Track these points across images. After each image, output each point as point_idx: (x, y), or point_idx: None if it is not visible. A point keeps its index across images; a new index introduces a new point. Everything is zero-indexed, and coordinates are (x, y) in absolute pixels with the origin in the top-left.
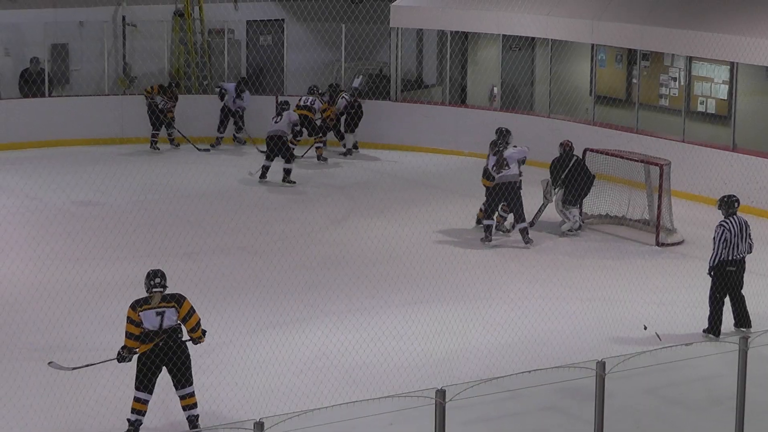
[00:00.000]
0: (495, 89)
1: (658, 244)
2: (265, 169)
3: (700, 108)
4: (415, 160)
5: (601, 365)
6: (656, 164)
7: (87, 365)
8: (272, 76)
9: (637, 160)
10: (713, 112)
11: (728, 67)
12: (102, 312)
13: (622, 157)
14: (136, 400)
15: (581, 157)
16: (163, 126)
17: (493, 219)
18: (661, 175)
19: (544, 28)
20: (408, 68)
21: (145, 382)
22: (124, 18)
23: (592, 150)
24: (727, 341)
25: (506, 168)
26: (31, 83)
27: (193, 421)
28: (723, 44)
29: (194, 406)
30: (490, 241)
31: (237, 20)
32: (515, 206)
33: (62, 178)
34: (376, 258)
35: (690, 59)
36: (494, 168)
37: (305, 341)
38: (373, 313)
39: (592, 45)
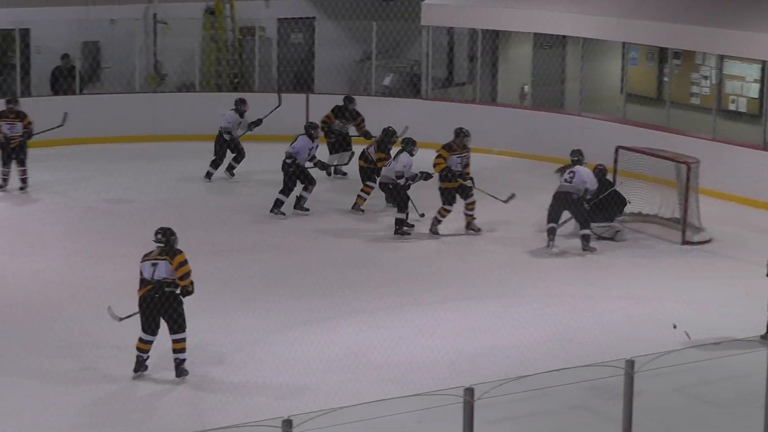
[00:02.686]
0: (526, 87)
1: (684, 242)
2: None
3: (732, 107)
4: None
5: (630, 364)
6: (684, 162)
7: (132, 315)
8: (303, 74)
9: (667, 158)
10: (744, 110)
11: (760, 65)
12: (132, 309)
13: (653, 155)
14: (139, 340)
15: (612, 182)
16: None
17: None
18: (688, 174)
19: (575, 26)
20: (439, 66)
21: (144, 325)
22: (155, 15)
23: (623, 148)
24: (756, 340)
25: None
26: (62, 80)
27: (178, 365)
28: (755, 43)
29: (181, 350)
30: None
31: (268, 18)
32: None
33: (93, 175)
34: (406, 256)
35: (722, 57)
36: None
37: (334, 339)
38: (402, 311)
39: (623, 43)
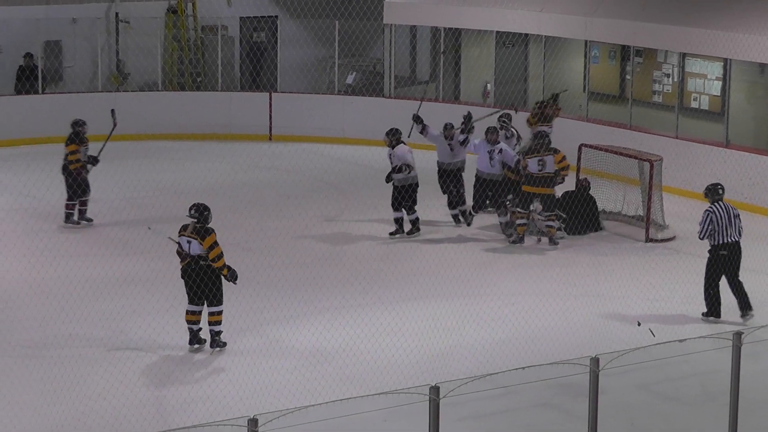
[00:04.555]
0: (488, 85)
1: (648, 240)
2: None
3: (694, 104)
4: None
5: (595, 361)
6: (647, 160)
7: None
8: (266, 73)
9: (630, 156)
10: (706, 108)
11: (722, 63)
12: (96, 308)
13: (615, 153)
14: (187, 312)
15: (592, 198)
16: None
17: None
18: (651, 171)
19: (537, 24)
20: (401, 64)
21: (189, 296)
22: (117, 15)
23: (586, 145)
24: (721, 337)
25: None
26: (24, 80)
27: (213, 336)
28: (716, 41)
29: (217, 323)
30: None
31: (230, 17)
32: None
33: (56, 175)
34: (369, 255)
35: (683, 56)
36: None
37: (299, 338)
38: (366, 309)
39: (586, 41)
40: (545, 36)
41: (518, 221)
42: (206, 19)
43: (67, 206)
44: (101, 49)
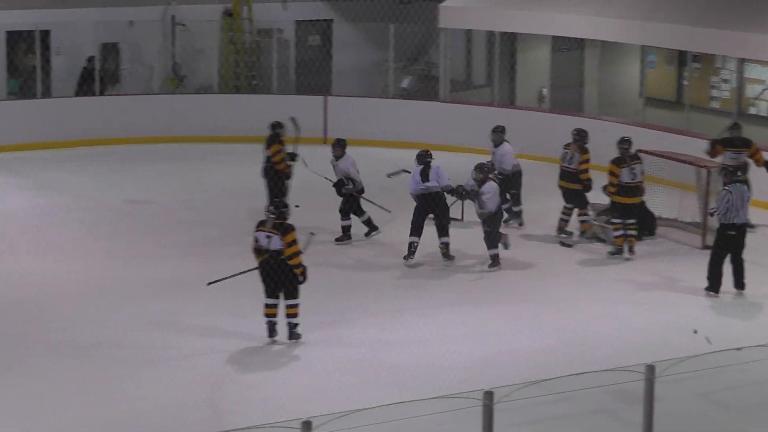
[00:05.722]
0: (544, 90)
1: (704, 246)
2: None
3: (752, 110)
4: (463, 161)
5: (651, 369)
6: (704, 166)
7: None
8: (320, 76)
9: (686, 162)
10: (765, 114)
11: None
12: (151, 308)
13: (672, 159)
14: (265, 305)
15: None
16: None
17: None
18: (708, 177)
19: (593, 29)
20: (456, 69)
21: (267, 290)
22: (173, 17)
23: (642, 151)
24: None
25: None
26: (89, 82)
27: (291, 328)
28: None
29: (294, 315)
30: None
31: (286, 20)
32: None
33: (112, 176)
34: (424, 259)
35: (742, 61)
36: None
37: (352, 341)
38: (421, 313)
39: (642, 46)
40: (601, 41)
41: (615, 233)
42: (262, 22)
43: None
44: (158, 51)
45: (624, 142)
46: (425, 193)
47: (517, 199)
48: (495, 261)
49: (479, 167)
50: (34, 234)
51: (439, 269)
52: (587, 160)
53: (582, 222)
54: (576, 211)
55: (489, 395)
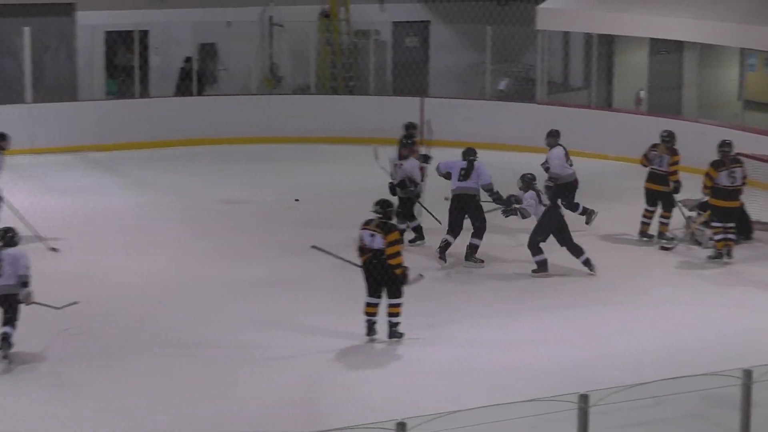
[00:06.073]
0: (641, 93)
1: None
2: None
3: None
4: None
5: (748, 374)
6: None
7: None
8: (417, 78)
9: None
10: None
11: None
12: (248, 309)
13: None
14: (366, 304)
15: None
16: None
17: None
18: None
19: (692, 31)
20: (554, 71)
21: (369, 289)
22: (271, 18)
23: (742, 155)
24: None
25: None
26: (181, 82)
27: (391, 327)
28: None
29: (396, 314)
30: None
31: (383, 21)
32: None
33: (210, 176)
34: (519, 260)
35: None
36: None
37: (447, 343)
38: (513, 316)
39: (741, 49)
40: (700, 43)
41: (716, 237)
42: (359, 23)
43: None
44: (255, 52)
45: (724, 145)
46: (461, 193)
47: (572, 206)
48: (541, 267)
49: (521, 177)
50: (134, 233)
51: (529, 274)
52: (677, 162)
53: (662, 224)
54: (659, 213)
55: (584, 398)
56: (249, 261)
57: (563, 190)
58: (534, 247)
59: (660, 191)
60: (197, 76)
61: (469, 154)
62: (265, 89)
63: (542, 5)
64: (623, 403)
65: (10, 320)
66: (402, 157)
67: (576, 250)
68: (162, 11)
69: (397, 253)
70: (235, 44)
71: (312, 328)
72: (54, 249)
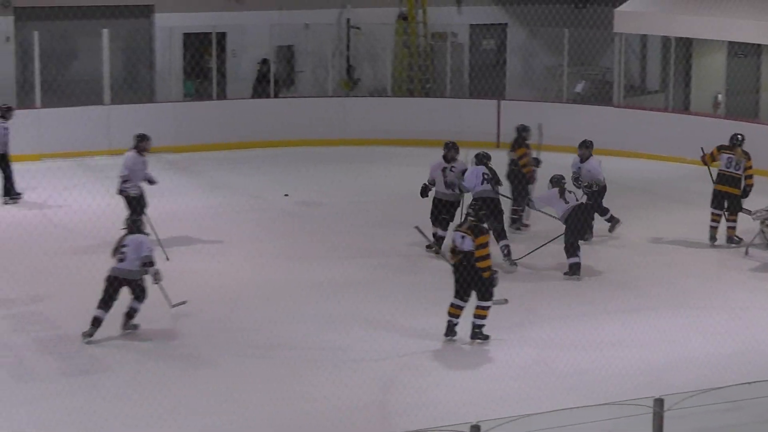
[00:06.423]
0: (719, 96)
1: None
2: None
3: None
4: (636, 166)
5: None
6: None
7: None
8: (494, 81)
9: None
10: None
11: None
12: (321, 311)
13: None
14: (451, 305)
15: None
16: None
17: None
18: None
19: None
20: (631, 73)
21: (458, 291)
22: (348, 20)
23: None
24: None
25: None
26: (258, 84)
27: (474, 328)
28: None
29: (482, 317)
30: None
31: (460, 24)
32: None
33: (285, 177)
34: (595, 264)
35: None
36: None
37: (522, 345)
38: (590, 319)
39: None
40: None
41: None
42: (436, 26)
43: (514, 211)
44: (332, 54)
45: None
46: (481, 196)
47: (601, 210)
48: (573, 270)
49: (551, 179)
50: (211, 234)
51: (609, 274)
52: (751, 166)
53: (729, 228)
54: (725, 216)
55: (659, 402)
56: (322, 262)
57: (599, 195)
58: (571, 250)
59: (730, 193)
60: (274, 78)
61: (482, 158)
62: (341, 91)
63: (620, 8)
64: (699, 407)
65: (138, 297)
66: (450, 159)
67: (571, 251)
68: (239, 13)
69: (486, 256)
70: (312, 46)
71: (387, 329)
72: (167, 258)
